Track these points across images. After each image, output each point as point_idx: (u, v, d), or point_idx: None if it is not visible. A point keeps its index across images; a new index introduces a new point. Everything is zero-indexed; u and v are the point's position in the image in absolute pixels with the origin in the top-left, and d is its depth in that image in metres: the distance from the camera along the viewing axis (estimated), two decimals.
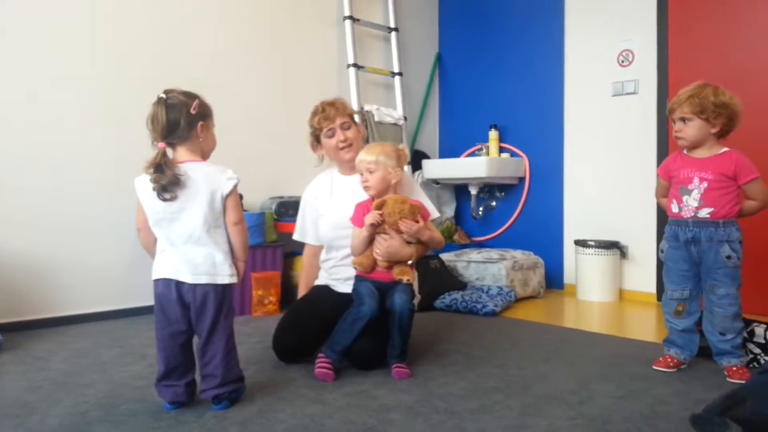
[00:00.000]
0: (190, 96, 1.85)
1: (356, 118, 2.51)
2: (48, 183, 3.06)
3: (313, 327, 2.34)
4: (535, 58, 4.34)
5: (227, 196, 1.83)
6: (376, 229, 2.21)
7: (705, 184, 2.18)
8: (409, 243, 2.24)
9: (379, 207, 2.20)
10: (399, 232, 2.21)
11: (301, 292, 2.61)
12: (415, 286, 2.51)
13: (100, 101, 3.22)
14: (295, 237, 2.63)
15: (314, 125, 2.46)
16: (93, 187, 3.19)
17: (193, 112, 1.82)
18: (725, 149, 2.20)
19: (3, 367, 2.33)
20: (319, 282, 2.55)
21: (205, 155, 1.90)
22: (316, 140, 2.49)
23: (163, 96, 1.82)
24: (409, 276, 2.22)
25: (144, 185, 1.83)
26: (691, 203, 2.20)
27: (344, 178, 2.53)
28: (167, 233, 1.84)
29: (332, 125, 2.42)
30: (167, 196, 1.79)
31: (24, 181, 2.99)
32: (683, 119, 2.20)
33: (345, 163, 2.48)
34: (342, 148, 2.44)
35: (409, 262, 2.25)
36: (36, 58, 3.03)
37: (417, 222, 2.21)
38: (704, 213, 2.18)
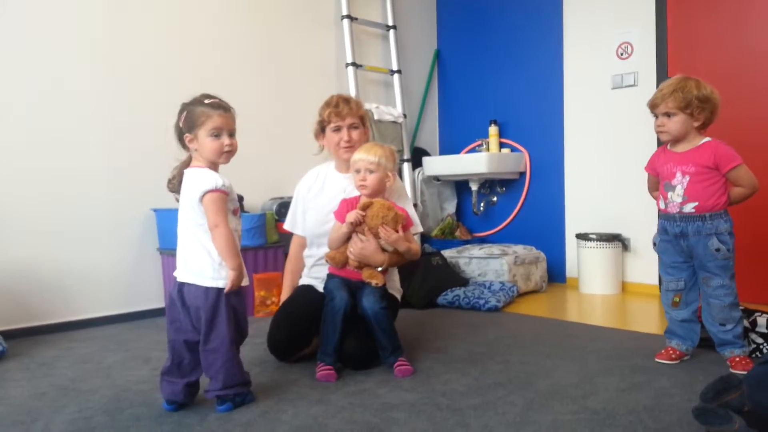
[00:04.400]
0: (181, 109, 1.90)
1: (366, 120, 2.50)
2: (49, 190, 3.07)
3: (303, 320, 2.33)
4: (534, 52, 4.33)
5: (200, 199, 1.83)
6: (356, 228, 2.21)
7: (687, 178, 2.18)
8: (384, 250, 2.23)
9: (365, 208, 2.20)
10: (377, 236, 2.20)
11: (285, 279, 2.61)
12: (396, 281, 2.50)
13: (98, 112, 3.22)
14: (286, 226, 2.64)
15: (323, 116, 2.45)
16: (95, 193, 3.20)
17: (181, 125, 1.88)
18: (706, 139, 2.20)
19: (7, 374, 2.34)
20: (302, 282, 2.56)
21: (208, 163, 1.90)
22: (321, 130, 2.49)
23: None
24: (378, 280, 2.21)
25: None
26: (675, 199, 2.21)
27: (338, 175, 2.53)
28: (179, 237, 1.93)
29: (340, 123, 2.42)
30: (175, 197, 1.92)
31: (25, 189, 3.00)
32: (667, 114, 2.19)
33: (343, 161, 2.48)
34: (343, 147, 2.44)
35: (380, 269, 2.25)
36: (35, 71, 3.03)
37: (397, 231, 2.21)
38: (689, 208, 2.18)
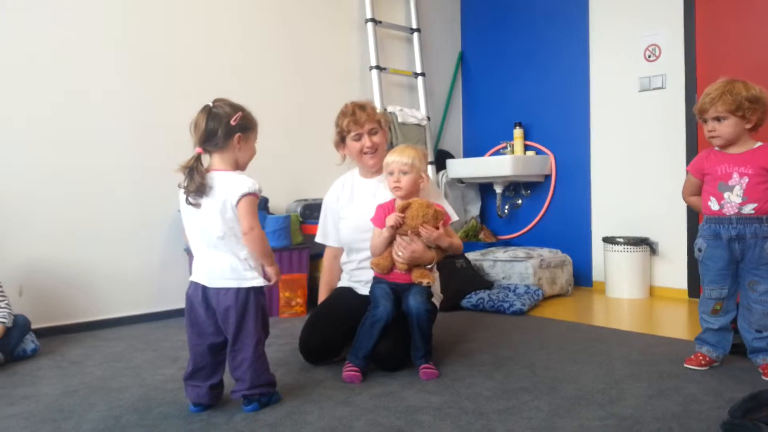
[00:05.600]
0: (235, 108, 1.89)
1: (383, 123, 2.51)
2: (78, 191, 3.13)
3: (338, 328, 2.35)
4: (560, 54, 4.30)
5: (236, 204, 1.84)
6: (397, 231, 2.21)
7: (746, 179, 2.13)
8: (429, 248, 2.24)
9: (403, 209, 2.20)
10: (419, 236, 2.20)
11: (322, 293, 2.63)
12: (437, 287, 2.51)
13: (124, 112, 3.28)
14: (317, 239, 2.66)
15: (342, 126, 2.45)
16: (122, 193, 3.26)
17: (233, 123, 1.86)
18: (759, 143, 2.16)
19: (40, 371, 2.40)
20: (341, 284, 2.57)
21: (240, 166, 1.94)
22: (342, 140, 2.50)
23: (210, 104, 1.88)
24: (429, 279, 2.22)
25: (183, 195, 1.89)
26: (734, 199, 2.15)
27: (365, 181, 2.54)
28: (194, 239, 1.91)
29: (360, 130, 2.42)
30: (192, 201, 1.85)
31: (55, 191, 3.07)
32: (717, 118, 2.15)
33: (368, 167, 2.49)
34: (366, 153, 2.45)
35: (429, 266, 2.25)
36: (61, 71, 3.10)
37: (438, 228, 2.21)
38: (749, 209, 2.12)
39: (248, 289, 1.86)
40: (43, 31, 3.04)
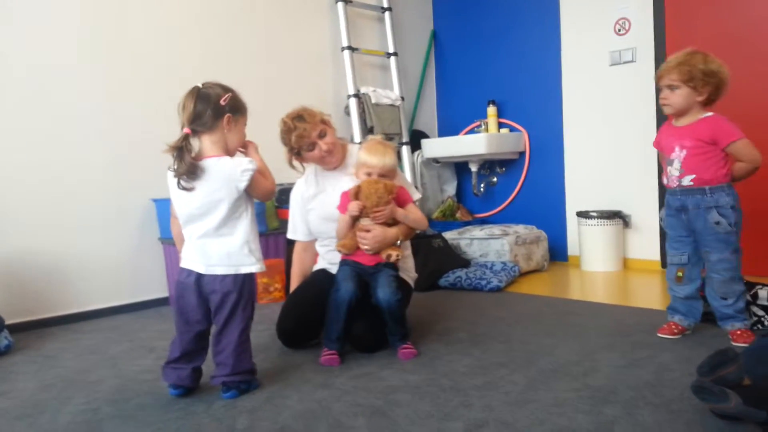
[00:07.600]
0: (226, 89, 1.88)
1: (325, 120, 2.45)
2: (53, 182, 3.07)
3: (313, 309, 2.35)
4: (531, 30, 4.30)
5: (245, 187, 1.85)
6: (360, 213, 2.23)
7: (684, 152, 2.18)
8: (390, 225, 2.25)
9: (356, 193, 2.21)
10: (376, 217, 2.22)
11: (293, 285, 2.63)
12: (410, 265, 2.52)
13: (96, 102, 3.21)
14: (288, 235, 2.67)
15: (292, 144, 2.39)
16: (97, 184, 3.21)
17: (222, 103, 1.84)
18: (707, 114, 2.18)
19: (15, 367, 2.36)
20: (318, 266, 2.58)
21: (229, 151, 1.90)
22: (297, 155, 2.44)
23: (199, 85, 1.85)
24: (396, 251, 2.23)
25: (172, 180, 1.85)
26: (673, 172, 2.22)
27: (327, 173, 2.53)
28: (188, 225, 1.89)
29: (310, 140, 2.39)
30: (185, 185, 1.82)
31: (29, 181, 3.01)
32: (671, 86, 2.18)
33: (331, 166, 2.49)
34: (326, 157, 2.44)
35: (398, 243, 2.27)
36: (40, 59, 3.03)
37: (390, 201, 2.22)
38: (687, 181, 2.18)
39: (245, 275, 1.87)
40: (13, 23, 2.96)
